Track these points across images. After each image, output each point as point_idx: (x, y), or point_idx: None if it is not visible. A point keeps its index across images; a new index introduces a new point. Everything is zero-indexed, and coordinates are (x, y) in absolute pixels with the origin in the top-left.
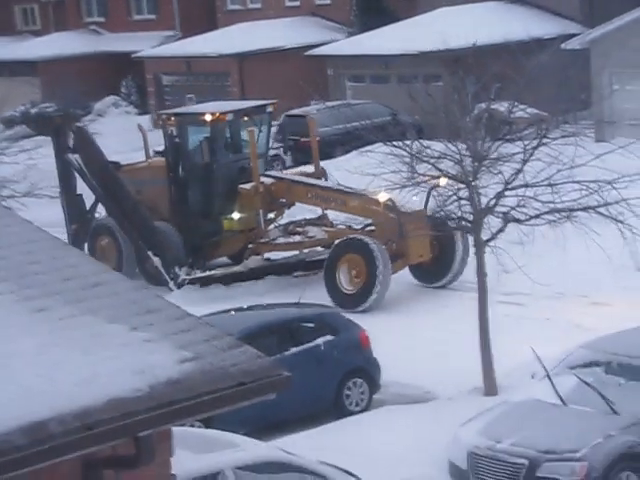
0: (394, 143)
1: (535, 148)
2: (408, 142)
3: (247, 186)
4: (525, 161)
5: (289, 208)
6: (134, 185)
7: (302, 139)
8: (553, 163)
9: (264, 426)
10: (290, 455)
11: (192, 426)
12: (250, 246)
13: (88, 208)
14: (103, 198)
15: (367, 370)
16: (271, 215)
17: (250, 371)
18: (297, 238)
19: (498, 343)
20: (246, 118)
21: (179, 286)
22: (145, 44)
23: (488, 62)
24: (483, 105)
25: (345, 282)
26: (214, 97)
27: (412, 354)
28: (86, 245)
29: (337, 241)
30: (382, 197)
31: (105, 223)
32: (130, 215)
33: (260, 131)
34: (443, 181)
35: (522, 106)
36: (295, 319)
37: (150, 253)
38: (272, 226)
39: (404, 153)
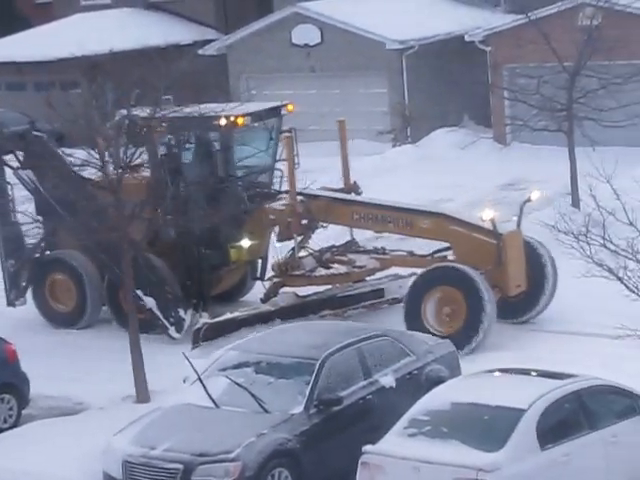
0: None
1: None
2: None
3: (277, 205)
4: None
5: (313, 232)
6: None
7: None
8: None
9: None
10: None
11: None
12: (275, 280)
13: (40, 238)
14: (70, 223)
15: (15, 385)
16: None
17: None
18: (342, 269)
19: (149, 348)
20: (256, 124)
21: (196, 337)
22: None
23: (127, 68)
24: (124, 111)
25: (434, 321)
26: None
27: (61, 366)
28: (24, 284)
29: (422, 271)
30: (486, 215)
31: (59, 257)
32: (110, 245)
33: (271, 138)
34: (535, 195)
35: (164, 111)
36: None
37: (140, 293)
38: (303, 254)
39: None
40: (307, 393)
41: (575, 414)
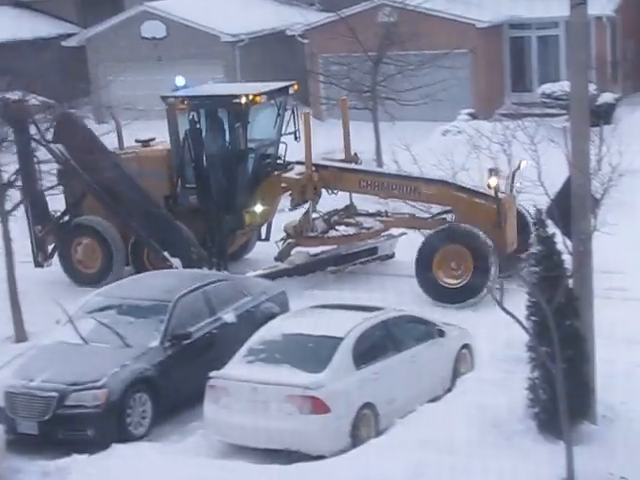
0: None
1: (47, 129)
2: None
3: (292, 174)
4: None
5: (319, 197)
6: None
7: None
8: None
9: None
10: None
11: None
12: (290, 241)
13: (67, 206)
14: (98, 192)
15: None
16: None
17: None
18: (350, 230)
19: (26, 296)
20: (270, 101)
21: None
22: None
23: (0, 58)
24: None
25: (443, 275)
26: None
27: None
28: (51, 247)
29: (433, 230)
30: (493, 181)
31: (86, 222)
32: (139, 211)
33: (278, 114)
34: (524, 163)
35: (33, 95)
36: None
37: (166, 254)
38: (315, 216)
39: None
40: (162, 329)
41: (383, 339)
